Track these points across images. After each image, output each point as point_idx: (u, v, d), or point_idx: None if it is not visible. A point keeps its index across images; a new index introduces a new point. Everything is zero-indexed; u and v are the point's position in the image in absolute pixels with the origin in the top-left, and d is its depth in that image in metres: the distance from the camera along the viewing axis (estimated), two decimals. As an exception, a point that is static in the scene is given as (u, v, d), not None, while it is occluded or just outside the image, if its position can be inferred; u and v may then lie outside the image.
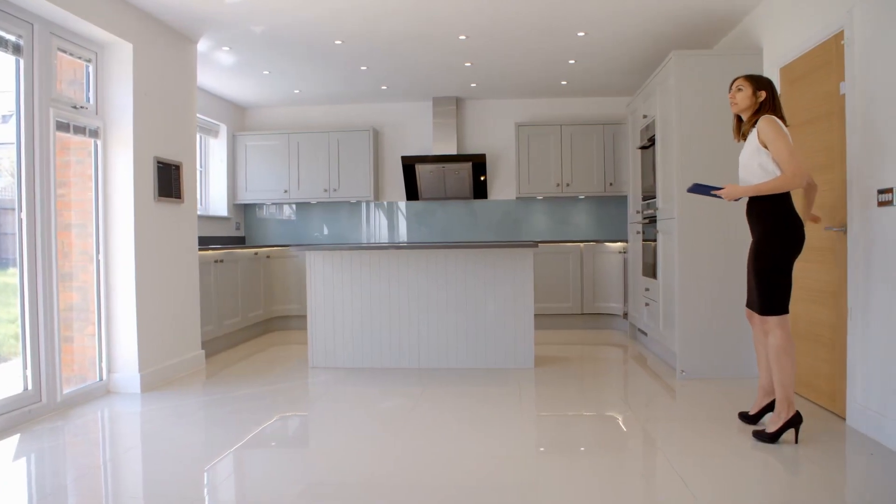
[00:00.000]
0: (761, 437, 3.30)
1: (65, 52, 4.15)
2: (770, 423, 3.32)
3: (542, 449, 3.37)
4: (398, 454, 3.24)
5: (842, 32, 3.52)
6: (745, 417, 3.58)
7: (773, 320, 3.27)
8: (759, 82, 3.35)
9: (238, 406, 4.14)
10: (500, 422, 3.76)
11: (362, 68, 6.35)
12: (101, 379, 4.44)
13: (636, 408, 4.04)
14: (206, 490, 2.92)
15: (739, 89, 3.38)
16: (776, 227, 3.27)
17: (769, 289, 3.29)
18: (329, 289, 5.22)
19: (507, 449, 3.33)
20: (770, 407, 3.49)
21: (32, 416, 3.77)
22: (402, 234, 8.03)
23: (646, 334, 5.92)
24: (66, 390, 4.07)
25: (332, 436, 3.59)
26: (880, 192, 3.20)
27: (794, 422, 3.25)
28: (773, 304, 3.27)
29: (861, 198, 3.36)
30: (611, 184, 7.46)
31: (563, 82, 7.03)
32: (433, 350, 5.16)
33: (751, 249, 3.43)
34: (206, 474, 3.07)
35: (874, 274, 3.28)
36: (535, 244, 5.02)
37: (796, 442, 3.25)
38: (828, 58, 3.70)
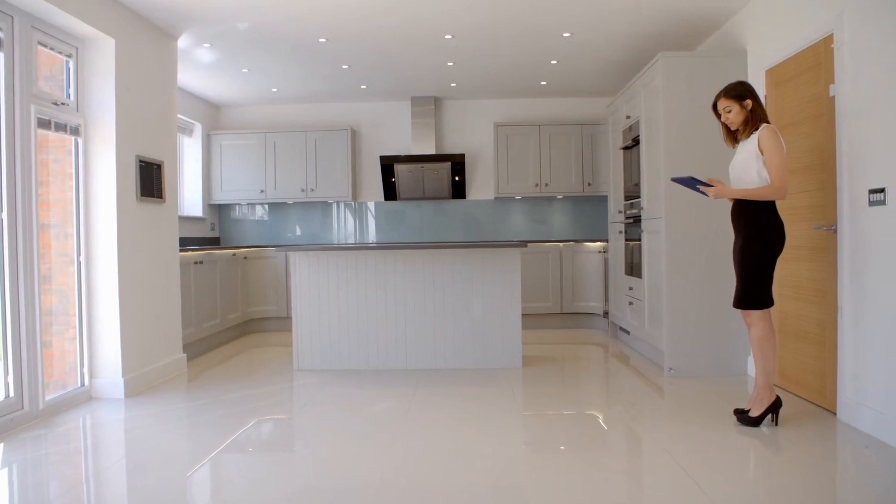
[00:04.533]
0: (745, 420, 3.52)
1: (45, 46, 4.00)
2: (753, 407, 3.53)
3: (545, 449, 3.37)
4: (398, 457, 3.19)
5: (831, 36, 3.60)
6: (741, 413, 3.63)
7: (756, 314, 3.49)
8: (741, 93, 3.50)
9: (226, 410, 4.04)
10: (498, 422, 3.75)
11: (343, 67, 6.28)
12: (82, 385, 4.29)
13: (630, 405, 4.07)
14: (200, 499, 2.84)
15: (728, 110, 3.53)
16: (761, 230, 3.43)
17: (753, 286, 3.46)
18: (314, 290, 5.15)
19: (510, 449, 3.33)
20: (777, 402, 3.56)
21: (15, 424, 3.62)
22: (380, 234, 7.97)
23: (628, 333, 5.98)
24: (47, 397, 3.93)
25: (327, 439, 3.53)
26: (871, 192, 3.28)
27: (776, 406, 3.49)
28: (756, 299, 3.47)
29: (851, 198, 3.44)
30: (589, 184, 7.52)
31: (543, 83, 7.06)
32: (421, 351, 5.13)
33: (735, 249, 3.56)
34: (197, 482, 2.99)
35: (866, 272, 3.36)
36: (524, 244, 5.04)
37: (776, 424, 3.50)
38: (817, 60, 3.78)
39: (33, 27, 3.83)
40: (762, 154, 3.39)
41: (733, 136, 3.63)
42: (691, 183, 3.57)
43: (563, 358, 5.62)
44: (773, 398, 3.48)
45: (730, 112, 3.52)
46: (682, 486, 2.74)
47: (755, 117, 3.47)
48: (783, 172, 3.34)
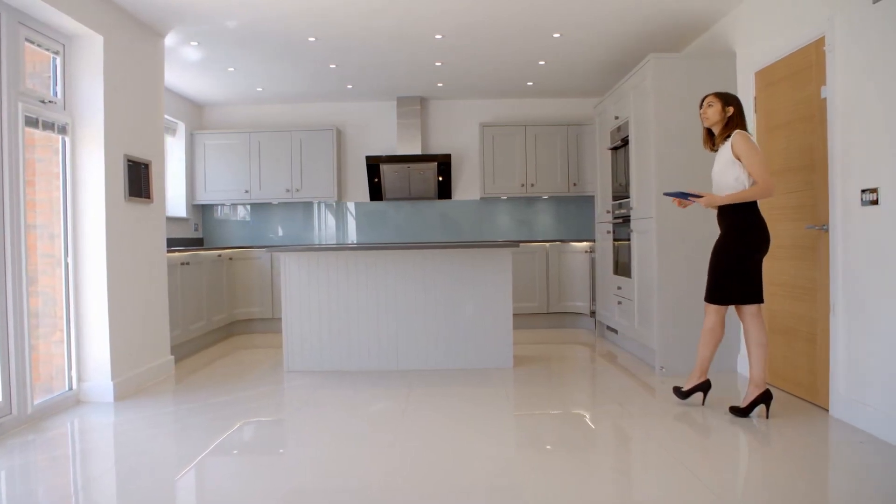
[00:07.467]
0: (676, 391, 3.94)
1: (32, 42, 3.92)
2: (686, 382, 3.92)
3: (544, 448, 3.37)
4: (396, 457, 3.17)
5: (822, 38, 3.66)
6: (735, 409, 3.68)
7: (713, 308, 3.72)
8: (728, 99, 3.70)
9: (218, 413, 3.99)
10: (496, 422, 3.75)
11: (331, 66, 6.24)
12: (70, 388, 4.21)
13: (624, 404, 4.09)
14: (194, 503, 2.80)
15: (710, 105, 3.73)
16: (743, 231, 3.58)
17: (720, 281, 3.65)
18: (304, 291, 5.10)
19: (509, 449, 3.33)
20: (766, 395, 3.63)
21: (4, 429, 3.54)
22: (366, 234, 7.93)
23: (616, 332, 6.01)
24: (35, 401, 3.84)
25: (324, 440, 3.49)
26: (864, 191, 3.33)
27: (704, 386, 3.84)
28: (719, 294, 3.66)
29: (844, 198, 3.50)
30: (575, 184, 7.55)
31: (529, 83, 7.08)
32: (412, 351, 5.11)
33: (716, 244, 3.73)
34: (191, 486, 2.95)
35: (858, 270, 3.41)
36: (515, 244, 5.04)
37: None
38: (808, 62, 3.84)
39: (20, 23, 3.75)
40: (738, 159, 3.54)
41: (711, 141, 3.82)
42: (682, 196, 3.78)
43: (554, 358, 5.64)
44: (703, 380, 3.82)
45: (710, 107, 3.71)
46: (684, 482, 2.76)
47: (731, 123, 3.66)
48: (764, 171, 3.49)
